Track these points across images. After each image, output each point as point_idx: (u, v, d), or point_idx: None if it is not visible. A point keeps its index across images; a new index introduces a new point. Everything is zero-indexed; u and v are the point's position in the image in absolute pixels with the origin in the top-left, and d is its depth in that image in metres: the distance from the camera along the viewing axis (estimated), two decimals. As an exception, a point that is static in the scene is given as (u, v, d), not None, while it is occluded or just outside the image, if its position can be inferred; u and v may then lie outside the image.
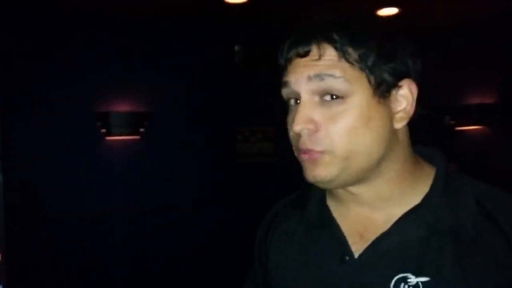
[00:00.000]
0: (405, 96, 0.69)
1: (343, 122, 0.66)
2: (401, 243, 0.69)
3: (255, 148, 3.98)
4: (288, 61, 0.72)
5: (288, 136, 0.74)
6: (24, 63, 3.28)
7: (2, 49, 3.10)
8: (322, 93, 0.68)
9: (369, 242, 0.72)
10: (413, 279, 0.67)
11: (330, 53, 0.67)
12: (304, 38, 0.69)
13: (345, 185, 0.73)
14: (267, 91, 3.97)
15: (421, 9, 3.74)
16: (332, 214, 0.78)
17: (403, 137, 0.72)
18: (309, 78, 0.68)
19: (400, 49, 0.68)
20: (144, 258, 3.64)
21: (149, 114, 3.72)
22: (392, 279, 0.68)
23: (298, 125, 0.68)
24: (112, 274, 3.52)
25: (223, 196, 3.89)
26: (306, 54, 0.69)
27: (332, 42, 0.66)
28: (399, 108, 0.69)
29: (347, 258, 0.73)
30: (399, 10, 3.71)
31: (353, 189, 0.73)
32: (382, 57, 0.66)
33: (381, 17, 0.75)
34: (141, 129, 3.70)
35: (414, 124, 0.72)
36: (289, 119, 0.73)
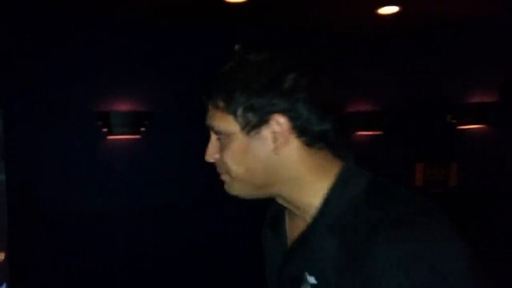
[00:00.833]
0: (273, 130, 0.82)
1: (227, 153, 0.86)
2: (303, 247, 0.86)
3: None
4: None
5: None
6: (24, 63, 3.30)
7: (2, 49, 3.12)
8: (218, 136, 0.88)
9: (292, 239, 0.90)
10: (308, 278, 0.83)
11: (212, 106, 0.87)
12: (205, 98, 0.89)
13: (256, 197, 0.90)
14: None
15: (422, 7, 3.73)
16: (285, 218, 0.97)
17: (293, 157, 0.84)
18: (208, 126, 0.89)
19: (264, 95, 0.81)
20: (145, 257, 3.66)
21: (150, 113, 3.73)
22: (299, 277, 0.84)
23: (207, 157, 0.91)
24: (113, 273, 3.54)
25: (224, 196, 3.88)
26: (208, 105, 0.89)
27: (209, 100, 0.87)
28: (271, 139, 0.83)
29: (284, 248, 0.93)
30: (400, 9, 3.70)
31: (279, 197, 0.90)
32: (246, 106, 0.82)
33: (263, 65, 0.85)
34: (142, 129, 3.71)
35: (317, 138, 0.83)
36: None
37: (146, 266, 3.65)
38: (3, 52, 2.99)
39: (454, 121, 4.21)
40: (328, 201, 0.83)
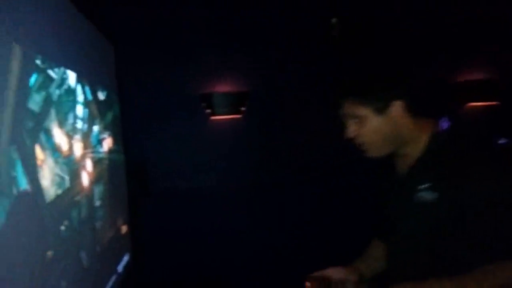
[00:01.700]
0: (394, 110, 1.32)
1: (363, 130, 1.33)
2: (416, 171, 1.35)
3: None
4: None
5: None
6: (136, 51, 3.54)
7: (118, 38, 3.36)
8: (353, 120, 1.34)
9: (404, 173, 1.39)
10: (422, 187, 1.30)
11: (350, 103, 1.33)
12: (340, 97, 1.36)
13: (384, 155, 1.38)
14: (368, 66, 3.89)
15: None
16: (394, 164, 1.45)
17: (405, 123, 1.33)
18: (347, 115, 1.35)
19: (385, 91, 1.31)
20: (246, 233, 3.80)
21: (250, 93, 3.83)
22: (415, 188, 1.31)
23: (349, 134, 1.36)
24: (221, 245, 3.74)
25: (327, 175, 3.89)
26: (345, 100, 1.36)
27: (351, 99, 1.33)
28: (394, 115, 1.32)
29: (397, 181, 1.41)
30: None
31: (397, 151, 1.39)
32: (376, 99, 1.31)
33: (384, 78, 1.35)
34: (242, 108, 3.83)
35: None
36: None
37: (251, 241, 3.80)
38: (119, 42, 3.21)
39: None
40: (427, 149, 1.33)
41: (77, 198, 1.83)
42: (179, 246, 3.70)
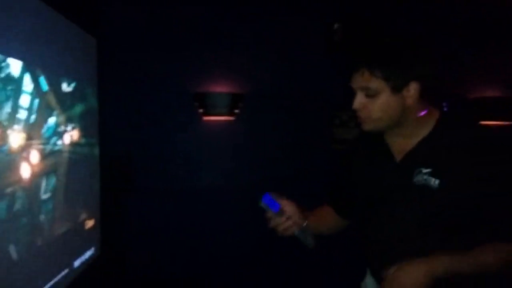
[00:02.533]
0: (410, 91, 1.29)
1: (375, 103, 1.30)
2: (418, 154, 1.34)
3: (354, 134, 3.74)
4: (353, 72, 1.34)
5: None
6: (123, 43, 3.53)
7: (103, 24, 3.34)
8: (365, 92, 1.31)
9: (403, 155, 1.37)
10: (424, 170, 1.30)
11: (369, 73, 1.27)
12: (355, 63, 1.32)
13: (384, 130, 1.37)
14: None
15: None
16: (387, 143, 1.42)
17: (414, 106, 1.31)
18: (358, 86, 1.32)
19: (408, 68, 1.27)
20: (234, 234, 3.72)
21: (244, 95, 3.74)
22: (414, 171, 1.32)
23: (356, 106, 1.34)
24: (200, 248, 3.67)
25: (318, 182, 3.74)
26: (358, 71, 1.31)
27: (368, 69, 1.28)
28: (407, 96, 1.29)
29: (394, 163, 1.39)
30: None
31: (395, 130, 1.37)
32: (396, 75, 1.27)
33: (409, 46, 1.30)
34: (236, 110, 3.74)
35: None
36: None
37: (235, 243, 3.70)
38: (103, 29, 3.18)
39: None
40: (435, 129, 1.34)
41: (9, 190, 1.80)
42: (162, 244, 3.66)
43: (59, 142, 2.31)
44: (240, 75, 3.80)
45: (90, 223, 2.75)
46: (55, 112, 2.26)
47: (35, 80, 2.05)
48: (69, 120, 2.44)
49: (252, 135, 3.80)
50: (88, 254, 2.70)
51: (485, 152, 1.25)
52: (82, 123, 2.63)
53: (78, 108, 2.59)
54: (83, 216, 2.64)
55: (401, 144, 1.38)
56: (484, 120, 4.16)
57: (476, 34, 3.87)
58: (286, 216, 1.47)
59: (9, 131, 1.80)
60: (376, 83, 1.27)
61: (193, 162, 3.76)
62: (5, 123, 1.78)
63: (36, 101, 2.05)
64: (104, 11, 3.26)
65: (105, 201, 3.01)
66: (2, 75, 1.76)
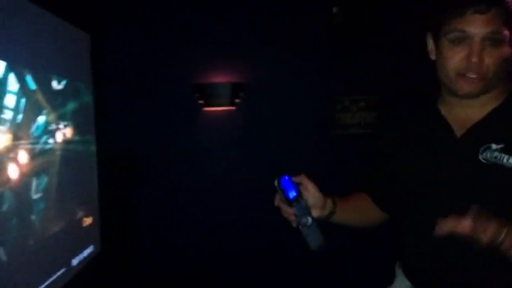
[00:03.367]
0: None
1: (497, 57, 1.09)
2: (487, 127, 1.15)
3: (356, 118, 3.67)
4: (463, 14, 1.08)
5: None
6: (122, 34, 3.48)
7: (105, 13, 3.30)
8: (489, 40, 1.08)
9: (466, 128, 1.18)
10: (494, 146, 1.10)
11: (500, 16, 1.06)
12: (485, 1, 1.06)
13: (477, 97, 1.15)
14: (369, 57, 3.63)
15: None
16: (443, 115, 1.23)
17: (505, 70, 1.14)
18: (486, 31, 1.07)
19: None
20: (237, 226, 3.69)
21: (245, 84, 3.68)
22: (480, 147, 1.13)
23: (475, 57, 1.08)
24: (203, 243, 3.65)
25: (321, 168, 3.67)
26: (484, 13, 1.06)
27: (505, 9, 1.07)
28: (509, 52, 1.11)
29: (454, 138, 1.19)
30: None
31: (467, 100, 1.17)
32: None
33: None
34: (237, 100, 3.69)
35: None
36: (454, 53, 1.13)
37: (237, 236, 3.68)
38: (97, 24, 3.15)
39: None
40: (509, 99, 1.17)
41: (-5, 191, 1.78)
42: (167, 239, 3.65)
43: (51, 141, 2.29)
44: (240, 64, 3.73)
45: (88, 221, 2.74)
46: (44, 111, 2.24)
47: (21, 79, 2.02)
48: (61, 118, 2.42)
49: (254, 124, 3.74)
50: (87, 252, 2.69)
51: None
52: (76, 120, 2.60)
53: (71, 105, 2.56)
54: (80, 213, 2.63)
55: (464, 116, 1.18)
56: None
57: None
58: (303, 202, 1.23)
59: (-7, 133, 1.78)
60: (503, 29, 1.07)
61: (195, 154, 3.72)
62: (-12, 125, 1.76)
63: (23, 100, 2.03)
64: (98, 5, 3.22)
65: (106, 198, 3.00)
66: (-18, 76, 1.74)
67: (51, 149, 2.30)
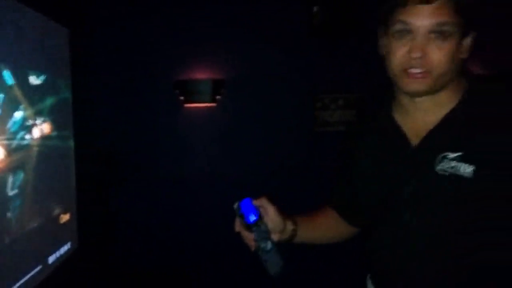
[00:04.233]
0: (467, 43, 1.05)
1: (445, 51, 0.99)
2: (443, 134, 1.05)
3: (336, 116, 3.70)
4: (405, 3, 1.00)
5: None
6: (102, 31, 3.45)
7: (85, 8, 3.26)
8: (435, 33, 0.99)
9: (421, 137, 1.08)
10: (451, 155, 1.01)
11: (449, 6, 0.98)
12: None
13: (426, 95, 1.06)
14: (349, 55, 3.67)
15: None
16: (397, 122, 1.13)
17: (460, 66, 1.05)
18: (431, 23, 0.98)
19: (477, 11, 1.02)
20: (218, 224, 3.69)
21: (226, 81, 3.68)
22: (436, 158, 1.03)
23: (417, 52, 1.00)
24: (186, 238, 3.65)
25: (301, 166, 3.71)
26: (430, 2, 0.98)
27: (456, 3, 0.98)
28: (464, 48, 1.04)
29: (409, 148, 1.09)
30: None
31: (419, 99, 1.08)
32: (471, 13, 1.00)
33: None
34: (217, 97, 3.69)
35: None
36: (397, 47, 1.04)
37: (219, 232, 3.68)
38: (77, 19, 3.11)
39: None
40: (463, 101, 1.06)
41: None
42: (147, 236, 3.63)
43: (27, 136, 2.26)
44: (221, 61, 3.72)
45: (65, 218, 2.71)
46: (22, 106, 2.20)
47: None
48: (38, 113, 2.39)
49: (235, 120, 3.74)
50: (64, 249, 2.66)
51: None
52: (54, 116, 2.57)
53: (49, 101, 2.53)
54: (57, 210, 2.60)
55: (420, 121, 1.09)
56: None
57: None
58: (263, 226, 1.17)
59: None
60: (452, 20, 0.99)
61: (176, 151, 3.71)
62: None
63: (0, 96, 2.00)
64: (77, 0, 3.18)
65: (84, 194, 2.97)
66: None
67: (28, 145, 2.26)
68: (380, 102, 1.21)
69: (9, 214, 2.05)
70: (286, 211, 1.30)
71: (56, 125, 2.60)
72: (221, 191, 3.72)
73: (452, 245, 1.02)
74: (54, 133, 2.57)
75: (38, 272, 2.31)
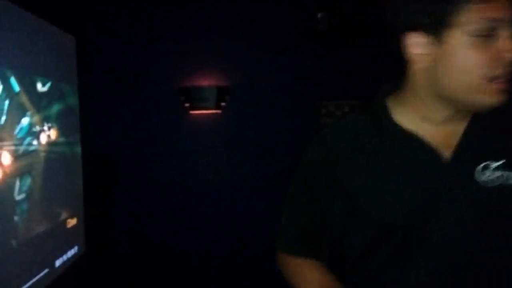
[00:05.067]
0: None
1: None
2: (478, 141, 0.90)
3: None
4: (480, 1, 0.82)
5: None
6: (107, 38, 3.51)
7: (91, 16, 3.32)
8: None
9: (453, 147, 0.91)
10: (493, 164, 0.87)
11: None
12: None
13: None
14: (354, 61, 3.69)
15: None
16: (414, 132, 0.93)
17: None
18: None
19: None
20: (224, 229, 3.72)
21: (230, 88, 3.72)
22: (476, 167, 0.88)
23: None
24: (192, 244, 3.67)
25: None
26: None
27: None
28: None
29: (440, 160, 0.90)
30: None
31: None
32: None
33: None
34: (222, 103, 3.72)
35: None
36: (478, 52, 0.84)
37: (224, 238, 3.70)
38: (83, 27, 3.17)
39: None
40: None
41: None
42: (152, 241, 3.67)
43: (35, 142, 2.31)
44: (226, 68, 3.76)
45: (72, 222, 2.75)
46: (28, 113, 2.25)
47: (4, 81, 2.03)
48: (45, 119, 2.44)
49: (240, 127, 3.78)
50: (71, 253, 2.70)
51: None
52: (61, 122, 2.62)
53: (56, 107, 2.58)
54: (64, 215, 2.65)
55: (439, 131, 0.92)
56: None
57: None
58: None
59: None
60: None
61: (180, 157, 3.75)
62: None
63: (6, 102, 2.04)
64: (84, 8, 3.25)
65: (90, 199, 3.01)
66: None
67: (35, 151, 2.31)
68: (363, 111, 1.04)
69: (16, 218, 2.10)
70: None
71: (63, 131, 2.65)
72: (226, 197, 3.76)
73: (499, 272, 0.88)
74: (61, 139, 2.62)
75: (45, 275, 2.35)
